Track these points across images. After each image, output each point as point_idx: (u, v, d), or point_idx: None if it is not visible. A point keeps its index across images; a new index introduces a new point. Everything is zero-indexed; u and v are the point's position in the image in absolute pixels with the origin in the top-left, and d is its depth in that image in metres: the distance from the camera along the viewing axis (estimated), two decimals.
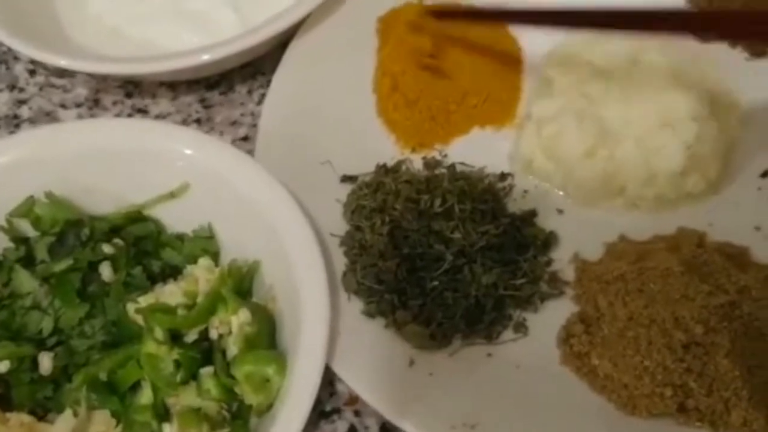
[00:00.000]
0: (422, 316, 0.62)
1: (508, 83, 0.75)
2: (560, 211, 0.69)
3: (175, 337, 0.58)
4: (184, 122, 0.77)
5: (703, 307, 0.57)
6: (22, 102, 0.80)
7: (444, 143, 0.72)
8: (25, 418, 0.57)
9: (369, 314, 0.63)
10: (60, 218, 0.63)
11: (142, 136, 0.65)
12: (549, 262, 0.66)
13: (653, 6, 0.60)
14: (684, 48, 0.73)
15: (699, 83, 0.68)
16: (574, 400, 0.59)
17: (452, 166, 0.70)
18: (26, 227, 0.63)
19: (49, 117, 0.78)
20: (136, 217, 0.65)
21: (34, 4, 0.78)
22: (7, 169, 0.63)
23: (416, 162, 0.71)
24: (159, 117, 0.78)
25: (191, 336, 0.59)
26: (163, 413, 0.57)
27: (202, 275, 0.62)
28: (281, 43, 0.76)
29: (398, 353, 0.61)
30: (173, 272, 0.64)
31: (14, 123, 0.78)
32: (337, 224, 0.67)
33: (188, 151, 0.64)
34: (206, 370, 0.58)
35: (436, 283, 0.62)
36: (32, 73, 0.82)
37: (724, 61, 0.73)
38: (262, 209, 0.61)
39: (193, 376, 0.58)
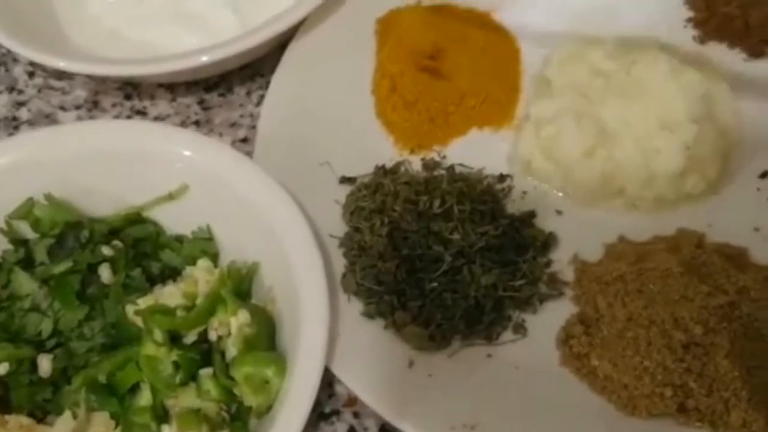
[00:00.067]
0: (421, 317, 0.62)
1: (507, 84, 0.75)
2: (559, 212, 0.69)
3: (174, 339, 0.58)
4: (183, 124, 0.77)
5: (703, 307, 0.57)
6: (21, 104, 0.80)
7: (443, 144, 0.73)
8: (24, 420, 0.57)
9: (368, 315, 0.63)
10: (59, 220, 0.63)
11: (141, 137, 0.65)
12: (548, 263, 0.66)
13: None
14: (683, 48, 0.73)
15: (698, 84, 0.68)
16: (574, 401, 0.59)
17: (451, 168, 0.70)
18: (25, 229, 0.63)
19: (48, 119, 0.78)
20: (135, 218, 0.65)
21: (34, 5, 0.78)
22: (6, 171, 0.63)
23: (415, 163, 0.72)
24: (158, 119, 0.78)
25: (190, 337, 0.59)
26: (162, 415, 0.57)
27: (201, 277, 0.62)
28: (280, 45, 0.76)
29: (398, 354, 0.61)
30: (172, 274, 0.64)
31: (13, 125, 0.78)
32: (336, 225, 0.67)
33: (187, 153, 0.64)
34: (205, 372, 0.58)
35: (435, 284, 0.62)
36: (31, 75, 0.82)
37: (723, 62, 0.74)
38: (262, 211, 0.61)
39: (193, 378, 0.58)
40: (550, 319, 0.63)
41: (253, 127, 0.75)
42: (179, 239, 0.65)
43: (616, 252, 0.65)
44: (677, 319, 0.57)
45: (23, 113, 0.79)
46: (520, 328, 0.63)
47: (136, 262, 0.63)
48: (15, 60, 0.82)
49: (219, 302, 0.59)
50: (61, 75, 0.81)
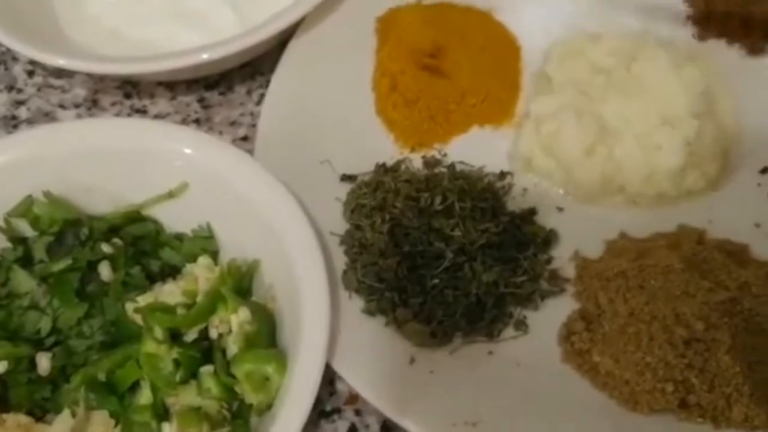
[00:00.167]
0: (423, 314, 0.61)
1: (507, 82, 0.75)
2: (560, 209, 0.69)
3: (174, 337, 0.58)
4: (183, 122, 0.77)
5: (704, 303, 0.57)
6: (20, 103, 0.80)
7: (443, 142, 0.73)
8: (23, 419, 0.57)
9: (369, 312, 0.62)
10: (58, 218, 0.63)
11: (141, 135, 0.64)
12: (549, 260, 0.66)
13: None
14: (683, 45, 0.73)
15: (698, 80, 0.68)
16: (576, 397, 0.59)
17: (452, 165, 0.70)
18: (24, 227, 0.63)
19: (48, 117, 0.78)
20: (135, 216, 0.65)
21: (33, 4, 0.78)
22: (5, 169, 0.63)
23: (416, 161, 0.72)
24: (158, 117, 0.78)
25: (191, 335, 0.59)
26: (162, 413, 0.57)
27: (201, 274, 0.61)
28: (280, 43, 0.76)
29: (399, 351, 0.61)
30: (172, 272, 0.63)
31: (12, 124, 0.78)
32: (336, 223, 0.67)
33: (187, 151, 0.63)
34: (206, 369, 0.57)
35: (436, 281, 0.62)
36: (30, 73, 0.82)
37: (722, 59, 0.74)
38: (262, 208, 0.61)
39: (193, 376, 0.58)
40: (552, 315, 0.63)
41: (254, 125, 0.75)
42: (179, 237, 0.65)
43: (616, 248, 0.65)
44: (678, 314, 0.57)
45: (22, 112, 0.79)
46: (522, 325, 0.63)
47: (135, 260, 0.62)
48: (14, 59, 0.82)
49: (219, 300, 0.59)
50: (60, 74, 0.81)
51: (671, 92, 0.67)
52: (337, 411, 0.62)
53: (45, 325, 0.59)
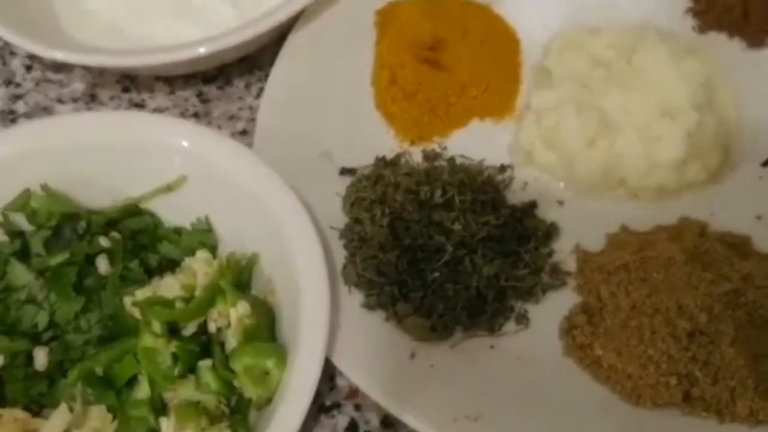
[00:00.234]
0: (423, 308, 0.61)
1: (507, 75, 0.74)
2: (561, 202, 0.69)
3: (172, 331, 0.57)
4: (182, 116, 0.76)
5: (707, 295, 0.57)
6: (18, 97, 0.79)
7: (443, 136, 0.72)
8: (19, 413, 0.56)
9: (369, 307, 0.62)
10: (56, 211, 0.62)
11: (139, 128, 0.64)
12: (550, 253, 0.65)
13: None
14: (683, 38, 0.73)
15: (699, 72, 0.68)
16: (578, 392, 0.58)
17: (452, 159, 0.70)
18: (22, 221, 0.62)
19: (46, 112, 0.78)
20: (133, 210, 0.65)
21: (32, 0, 0.77)
22: (2, 163, 0.63)
23: (415, 155, 0.71)
24: (156, 111, 0.77)
25: (189, 329, 0.58)
26: (160, 408, 0.56)
27: (200, 268, 0.61)
28: (279, 37, 0.76)
29: (399, 346, 0.60)
30: (171, 266, 0.63)
31: (10, 118, 0.78)
32: (336, 217, 0.66)
33: (185, 144, 0.63)
34: (205, 363, 0.57)
35: (436, 274, 0.62)
36: (29, 68, 0.81)
37: (722, 52, 0.73)
38: (261, 202, 0.61)
39: (192, 370, 0.57)
40: (553, 309, 0.62)
41: (252, 119, 0.75)
42: (178, 231, 0.65)
43: (618, 241, 0.64)
44: (681, 306, 0.57)
45: (20, 106, 0.78)
46: (523, 319, 0.62)
47: (133, 254, 0.62)
48: (12, 53, 0.82)
49: (218, 293, 0.58)
50: (58, 68, 0.80)
51: (672, 84, 0.66)
52: (337, 406, 0.61)
53: (42, 319, 0.58)
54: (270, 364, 0.56)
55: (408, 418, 0.56)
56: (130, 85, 0.79)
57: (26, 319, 0.59)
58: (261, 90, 0.75)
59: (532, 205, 0.67)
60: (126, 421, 0.56)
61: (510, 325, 0.62)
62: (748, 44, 0.74)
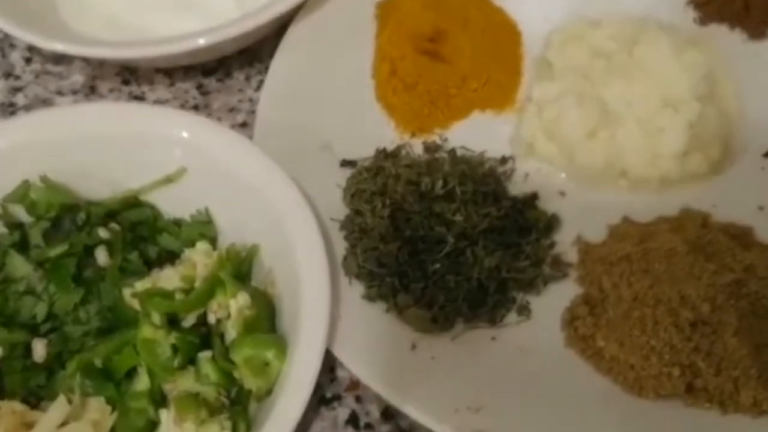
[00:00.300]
0: (424, 299, 0.61)
1: (508, 67, 0.74)
2: (562, 194, 0.68)
3: (172, 322, 0.57)
4: (182, 109, 0.76)
5: (710, 285, 0.57)
6: (17, 89, 0.79)
7: (444, 127, 0.72)
8: (17, 406, 0.56)
9: (370, 298, 0.62)
10: (55, 203, 0.62)
11: (139, 119, 0.64)
12: (552, 245, 0.65)
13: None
14: (684, 30, 0.73)
15: (701, 63, 0.67)
16: (580, 383, 0.58)
17: (452, 150, 0.70)
18: (21, 212, 0.62)
19: (45, 104, 0.77)
20: (133, 202, 0.64)
21: None
22: (1, 154, 0.62)
23: (416, 147, 0.71)
24: (156, 104, 0.77)
25: (189, 320, 0.58)
26: (159, 399, 0.56)
27: (200, 260, 0.61)
28: (279, 29, 0.75)
29: (400, 337, 0.60)
30: (170, 257, 0.62)
31: (10, 111, 0.77)
32: (336, 208, 0.66)
33: (185, 135, 0.63)
34: (204, 355, 0.57)
35: (437, 266, 0.61)
36: (28, 60, 0.81)
37: (723, 44, 0.73)
38: (261, 193, 0.60)
39: (191, 362, 0.57)
40: (555, 300, 0.62)
41: (252, 111, 0.74)
42: (177, 223, 0.64)
43: (620, 233, 0.64)
44: (684, 297, 0.57)
45: (20, 99, 0.78)
46: (524, 310, 0.62)
47: (133, 246, 0.62)
48: (12, 45, 0.82)
49: (218, 285, 0.58)
50: (58, 60, 0.80)
51: (673, 75, 0.66)
52: (338, 398, 0.61)
53: (41, 310, 0.58)
54: (270, 355, 0.56)
55: (409, 410, 0.56)
56: (130, 78, 0.79)
57: (25, 310, 0.58)
58: (261, 82, 0.74)
59: (534, 196, 0.67)
60: (125, 413, 0.55)
61: (511, 317, 0.62)
62: (749, 36, 0.74)
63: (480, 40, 0.74)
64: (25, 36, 0.71)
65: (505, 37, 0.75)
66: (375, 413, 0.60)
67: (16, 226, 0.62)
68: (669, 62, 0.67)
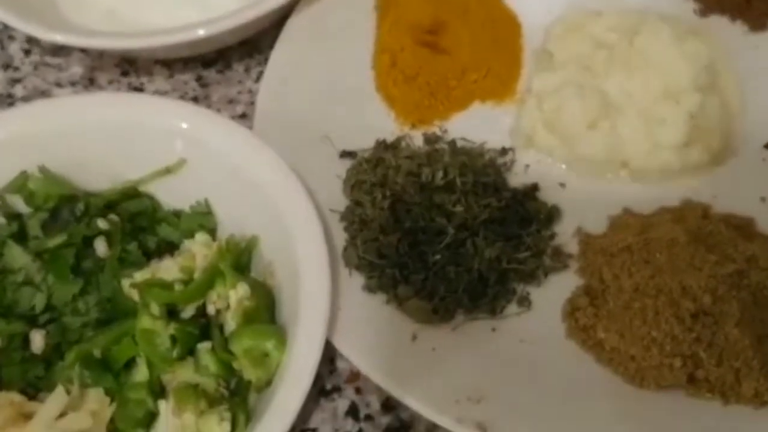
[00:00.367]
0: (424, 290, 0.61)
1: (508, 58, 0.74)
2: (563, 185, 0.68)
3: (171, 314, 0.57)
4: (181, 100, 0.75)
5: (711, 276, 0.56)
6: (16, 81, 0.79)
7: (444, 119, 0.72)
8: (16, 397, 0.55)
9: (370, 289, 0.61)
10: (54, 194, 0.61)
11: (137, 110, 0.63)
12: (552, 236, 0.65)
13: None
14: (684, 21, 0.72)
15: (701, 54, 0.67)
16: (581, 374, 0.58)
17: (453, 142, 0.69)
18: (19, 203, 0.62)
19: (44, 96, 0.77)
20: (132, 193, 0.64)
21: None
22: (0, 145, 0.62)
23: (416, 138, 0.71)
24: (155, 95, 0.76)
25: (188, 311, 0.58)
26: (158, 390, 0.56)
27: (199, 251, 0.60)
28: (279, 20, 0.75)
29: (400, 328, 0.60)
30: (170, 248, 0.62)
31: (8, 102, 0.77)
32: (336, 200, 0.66)
33: (185, 126, 0.63)
34: (204, 346, 0.56)
35: (438, 257, 0.61)
36: (27, 52, 0.81)
37: (724, 35, 0.73)
38: (261, 184, 0.60)
39: (191, 353, 0.57)
40: (555, 291, 0.62)
41: (252, 103, 0.74)
42: (177, 214, 0.64)
43: (620, 224, 0.64)
44: (685, 287, 0.56)
45: (18, 90, 0.78)
46: (525, 301, 0.62)
47: (132, 237, 0.61)
48: (11, 37, 0.81)
49: (217, 275, 0.58)
50: (57, 52, 0.80)
51: (674, 66, 0.66)
52: (338, 389, 0.60)
53: (39, 301, 0.58)
54: (269, 346, 0.55)
55: (410, 401, 0.55)
56: (129, 69, 0.79)
57: (23, 301, 0.58)
58: (261, 73, 0.74)
59: (534, 187, 0.67)
60: (124, 404, 0.55)
61: (512, 308, 0.61)
62: (750, 27, 0.74)
63: (480, 32, 0.74)
64: (24, 27, 0.70)
65: (505, 28, 0.75)
66: (375, 404, 0.60)
67: (14, 216, 0.62)
68: (670, 52, 0.66)
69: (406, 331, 0.59)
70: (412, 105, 0.72)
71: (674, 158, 0.65)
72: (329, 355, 0.61)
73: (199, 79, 0.78)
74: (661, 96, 0.65)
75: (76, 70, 0.79)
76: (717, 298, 0.56)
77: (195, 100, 0.76)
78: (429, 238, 0.62)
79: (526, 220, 0.64)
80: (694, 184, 0.66)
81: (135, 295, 0.57)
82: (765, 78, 0.70)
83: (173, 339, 0.56)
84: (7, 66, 0.80)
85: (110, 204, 0.63)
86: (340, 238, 0.64)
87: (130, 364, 0.57)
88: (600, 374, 0.57)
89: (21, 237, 0.60)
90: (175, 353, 0.56)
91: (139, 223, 0.63)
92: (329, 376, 0.61)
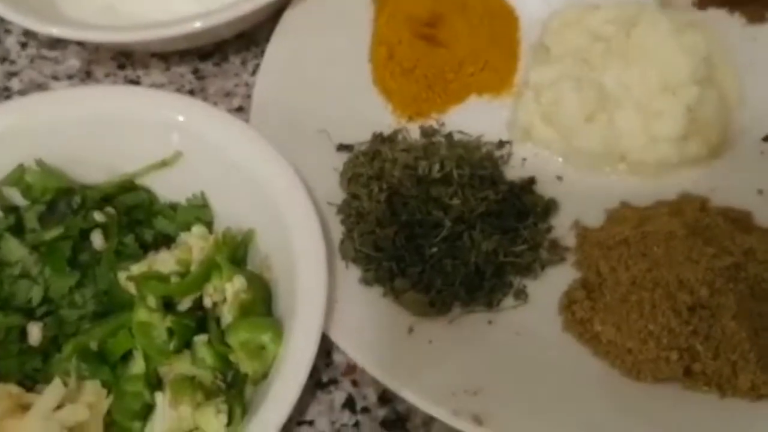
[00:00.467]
0: (421, 283, 0.60)
1: (506, 51, 0.74)
2: (560, 178, 0.68)
3: (168, 306, 0.57)
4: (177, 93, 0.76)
5: (708, 269, 0.56)
6: (13, 74, 0.79)
7: (441, 112, 0.72)
8: (13, 389, 0.55)
9: (367, 282, 0.61)
10: (50, 187, 0.62)
11: (135, 103, 0.63)
12: (549, 229, 0.65)
13: None
14: (683, 14, 0.72)
15: (700, 46, 0.67)
16: (577, 367, 0.58)
17: (450, 135, 0.69)
18: (16, 196, 0.62)
19: (41, 89, 0.77)
20: (129, 186, 0.64)
21: None
22: None
23: (413, 131, 0.70)
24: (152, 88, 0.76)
25: (185, 304, 0.58)
26: (155, 383, 0.56)
27: (195, 243, 0.60)
28: (275, 12, 0.75)
29: (397, 321, 0.60)
30: (166, 241, 0.62)
31: (5, 95, 0.77)
32: (333, 192, 0.66)
33: (181, 119, 0.62)
34: (200, 338, 0.56)
35: (435, 249, 0.61)
36: (24, 45, 0.81)
37: (722, 28, 0.73)
38: (258, 177, 0.60)
39: (187, 345, 0.57)
40: (552, 284, 0.62)
41: (248, 96, 0.74)
42: (173, 206, 0.64)
43: (618, 217, 0.64)
44: (682, 280, 0.56)
45: (15, 83, 0.78)
46: (522, 294, 0.62)
47: (129, 230, 0.61)
48: (7, 31, 0.82)
49: (214, 268, 0.58)
50: (53, 45, 0.80)
51: (672, 58, 0.66)
52: (334, 382, 0.61)
53: (36, 294, 0.58)
54: (266, 338, 0.55)
55: (406, 394, 0.55)
56: (126, 62, 0.79)
57: (20, 294, 0.58)
58: (257, 66, 0.74)
59: (531, 180, 0.67)
60: (121, 396, 0.55)
61: (508, 301, 0.61)
62: (748, 20, 0.73)
63: (477, 25, 0.73)
64: (20, 20, 0.70)
65: (502, 21, 0.75)
66: (372, 397, 0.60)
67: (11, 209, 0.62)
68: (668, 44, 0.66)
69: (403, 324, 0.59)
70: (409, 98, 0.71)
71: (672, 151, 0.65)
72: (326, 348, 0.61)
73: (195, 72, 0.78)
74: (658, 89, 0.65)
75: (73, 63, 0.79)
76: (714, 291, 0.56)
77: (191, 93, 0.76)
78: (426, 231, 0.62)
79: (523, 213, 0.64)
80: (691, 177, 0.66)
81: (132, 287, 0.57)
82: (763, 70, 0.70)
83: (170, 331, 0.56)
84: (3, 59, 0.80)
85: (107, 197, 0.63)
86: (337, 231, 0.64)
87: (126, 356, 0.57)
88: (597, 367, 0.57)
89: (18, 230, 0.60)
90: (171, 346, 0.56)
91: (136, 215, 0.63)
92: (326, 368, 0.61)
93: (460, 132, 0.70)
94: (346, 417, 0.59)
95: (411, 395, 0.55)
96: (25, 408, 0.54)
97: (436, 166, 0.64)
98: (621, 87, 0.66)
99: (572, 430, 0.54)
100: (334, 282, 0.60)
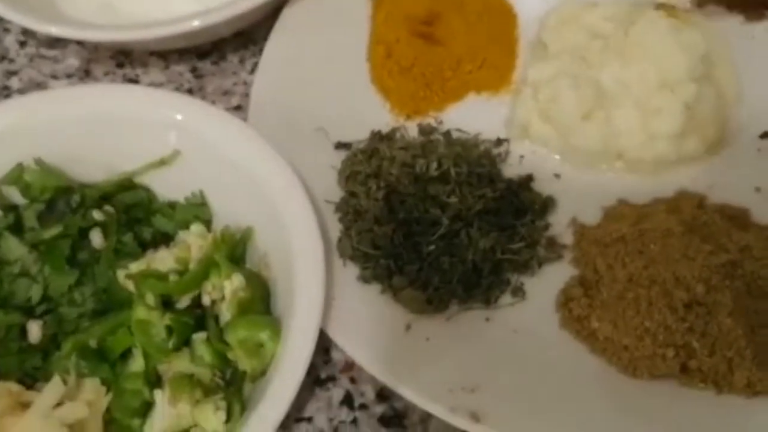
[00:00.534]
0: (419, 281, 0.61)
1: (504, 49, 0.74)
2: (557, 176, 0.68)
3: (166, 304, 0.57)
4: (176, 92, 0.76)
5: (705, 266, 0.57)
6: (12, 73, 0.79)
7: (439, 110, 0.72)
8: (13, 387, 0.56)
9: (365, 280, 0.62)
10: (49, 185, 0.62)
11: (133, 102, 0.64)
12: (547, 227, 0.65)
13: None
14: (681, 12, 0.72)
15: (699, 44, 0.67)
16: (574, 364, 0.58)
17: (448, 133, 0.69)
18: (15, 194, 0.62)
19: (40, 88, 0.78)
20: (127, 184, 0.64)
21: None
22: None
23: (411, 129, 0.71)
24: (150, 86, 0.76)
25: (183, 302, 0.58)
26: (154, 380, 0.56)
27: (194, 242, 0.61)
28: (274, 11, 0.75)
29: (394, 318, 0.60)
30: (165, 239, 0.63)
31: (4, 94, 0.77)
32: (331, 191, 0.66)
33: (180, 117, 0.63)
34: (199, 336, 0.57)
35: (432, 247, 0.61)
36: (23, 44, 0.81)
37: (720, 25, 0.73)
38: (256, 175, 0.60)
39: (186, 343, 0.57)
40: (549, 282, 0.62)
41: (247, 95, 0.74)
42: (172, 205, 0.64)
43: (615, 214, 0.64)
44: (679, 278, 0.56)
45: (14, 82, 0.78)
46: (519, 292, 0.62)
47: (127, 228, 0.62)
48: (6, 30, 0.82)
49: (212, 266, 0.58)
50: (52, 44, 0.80)
51: (670, 55, 0.66)
52: (332, 379, 0.61)
53: (36, 292, 0.58)
54: (264, 336, 0.56)
55: (404, 391, 0.56)
56: (125, 61, 0.79)
57: (20, 292, 0.58)
58: (255, 65, 0.74)
59: (529, 178, 0.67)
60: (120, 394, 0.55)
61: (506, 298, 0.62)
62: (746, 17, 0.73)
63: (475, 23, 0.74)
64: (19, 19, 0.71)
65: (500, 19, 0.75)
66: (370, 394, 0.60)
67: (10, 208, 0.62)
68: (666, 42, 0.66)
69: (401, 321, 0.60)
70: (407, 96, 0.72)
71: (669, 149, 0.65)
72: (324, 346, 0.61)
73: (194, 70, 0.78)
74: (656, 86, 0.65)
75: (72, 62, 0.79)
76: (710, 288, 0.56)
77: (190, 91, 0.76)
78: (423, 228, 0.62)
79: (520, 210, 0.64)
80: (689, 175, 0.66)
81: (130, 285, 0.58)
82: (761, 68, 0.70)
83: (169, 329, 0.56)
84: (2, 58, 0.80)
85: (106, 195, 0.63)
86: (335, 229, 0.64)
87: (126, 354, 0.57)
88: (593, 364, 0.58)
89: (17, 228, 0.61)
90: (170, 344, 0.56)
91: (135, 214, 0.63)
92: (324, 365, 0.61)
93: (458, 130, 0.70)
94: (344, 414, 0.59)
95: (408, 392, 0.55)
96: (24, 406, 0.54)
97: (434, 164, 0.64)
98: (619, 84, 0.66)
99: (569, 426, 0.54)
100: (332, 280, 0.60)
